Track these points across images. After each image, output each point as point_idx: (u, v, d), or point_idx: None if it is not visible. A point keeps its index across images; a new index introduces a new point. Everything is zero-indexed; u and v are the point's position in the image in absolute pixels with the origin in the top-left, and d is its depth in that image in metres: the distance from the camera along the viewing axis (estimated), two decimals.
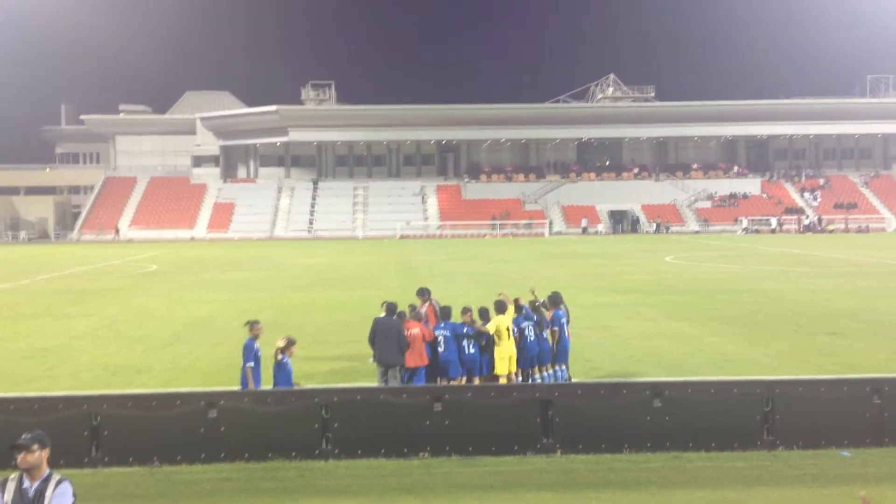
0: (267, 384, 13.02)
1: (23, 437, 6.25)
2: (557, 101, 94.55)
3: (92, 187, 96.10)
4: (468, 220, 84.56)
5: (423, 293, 16.26)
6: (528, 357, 14.32)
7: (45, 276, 41.42)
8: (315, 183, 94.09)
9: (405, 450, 11.35)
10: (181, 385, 15.41)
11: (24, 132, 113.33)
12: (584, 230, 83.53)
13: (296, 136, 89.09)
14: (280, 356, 12.79)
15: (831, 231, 78.53)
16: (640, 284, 33.77)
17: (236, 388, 13.42)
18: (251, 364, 12.78)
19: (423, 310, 15.33)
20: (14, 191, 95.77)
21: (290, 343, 12.99)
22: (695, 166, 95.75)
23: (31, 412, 11.08)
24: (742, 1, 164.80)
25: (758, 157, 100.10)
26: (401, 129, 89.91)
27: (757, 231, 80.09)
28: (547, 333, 14.73)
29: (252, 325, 13.21)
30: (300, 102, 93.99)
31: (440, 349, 13.87)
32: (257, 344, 13.01)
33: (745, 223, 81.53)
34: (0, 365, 18.35)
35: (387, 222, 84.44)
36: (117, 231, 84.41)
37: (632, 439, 11.38)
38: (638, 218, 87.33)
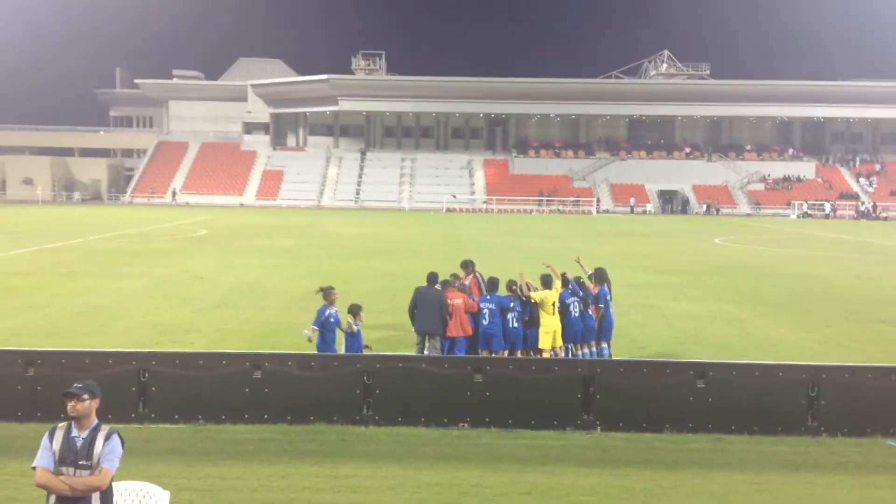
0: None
1: (74, 385, 6.37)
2: (609, 77, 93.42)
3: (144, 151, 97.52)
4: (515, 195, 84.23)
5: (468, 265, 16.23)
6: (571, 333, 14.29)
7: (98, 237, 42.22)
8: (363, 153, 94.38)
9: (445, 419, 11.44)
10: (227, 346, 15.64)
11: (79, 95, 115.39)
12: (632, 209, 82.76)
13: (345, 105, 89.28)
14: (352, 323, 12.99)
15: (885, 218, 76.84)
16: (688, 265, 33.43)
17: (281, 350, 13.61)
18: (315, 327, 12.90)
19: (467, 281, 15.33)
20: (69, 152, 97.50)
21: (357, 309, 13.13)
22: (748, 147, 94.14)
23: (82, 366, 11.33)
24: None
25: (813, 139, 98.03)
26: (450, 101, 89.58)
27: (809, 216, 78.64)
28: (591, 310, 14.66)
29: (326, 291, 13.36)
30: (350, 72, 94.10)
31: (484, 322, 13.85)
32: (331, 310, 13.09)
33: (804, 207, 79.91)
34: (55, 320, 18.81)
35: (433, 195, 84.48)
36: (174, 194, 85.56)
37: (673, 419, 11.32)
38: (688, 198, 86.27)
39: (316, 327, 12.87)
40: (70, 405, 6.27)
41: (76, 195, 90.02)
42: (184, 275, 27.38)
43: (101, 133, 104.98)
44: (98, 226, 50.42)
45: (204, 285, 25.00)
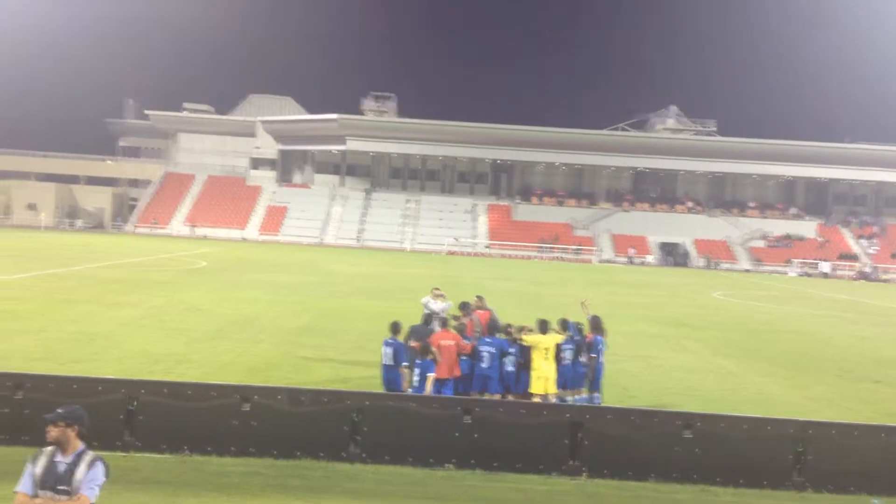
0: None
1: (55, 411, 6.41)
2: (616, 129, 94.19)
3: (150, 181, 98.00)
4: (517, 241, 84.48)
5: (465, 307, 16.35)
6: (560, 380, 14.29)
7: (98, 265, 42.33)
8: (368, 193, 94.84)
9: (431, 459, 11.41)
10: (219, 378, 15.62)
11: (89, 124, 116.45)
12: (631, 260, 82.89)
13: (353, 145, 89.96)
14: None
15: (885, 281, 76.81)
16: (686, 318, 33.43)
17: (273, 384, 13.62)
18: (405, 364, 13.51)
19: (465, 321, 15.41)
20: (74, 179, 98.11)
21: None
22: (751, 204, 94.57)
23: (71, 392, 11.32)
24: (812, 42, 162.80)
25: (816, 199, 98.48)
26: (457, 145, 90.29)
27: (808, 274, 78.70)
28: (584, 358, 14.67)
29: (395, 326, 14.00)
30: (360, 113, 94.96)
31: (483, 364, 13.83)
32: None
33: (818, 267, 79.97)
34: (50, 346, 18.81)
35: (435, 237, 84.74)
36: (193, 227, 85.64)
37: (659, 468, 11.29)
38: (688, 252, 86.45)
39: (405, 363, 13.69)
40: (47, 430, 6.32)
41: (79, 222, 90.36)
42: (180, 306, 27.40)
43: (108, 162, 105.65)
44: (98, 254, 50.55)
45: (200, 317, 25.01)
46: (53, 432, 6.30)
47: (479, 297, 17.34)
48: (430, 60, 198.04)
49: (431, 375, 13.28)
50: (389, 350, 13.70)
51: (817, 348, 26.28)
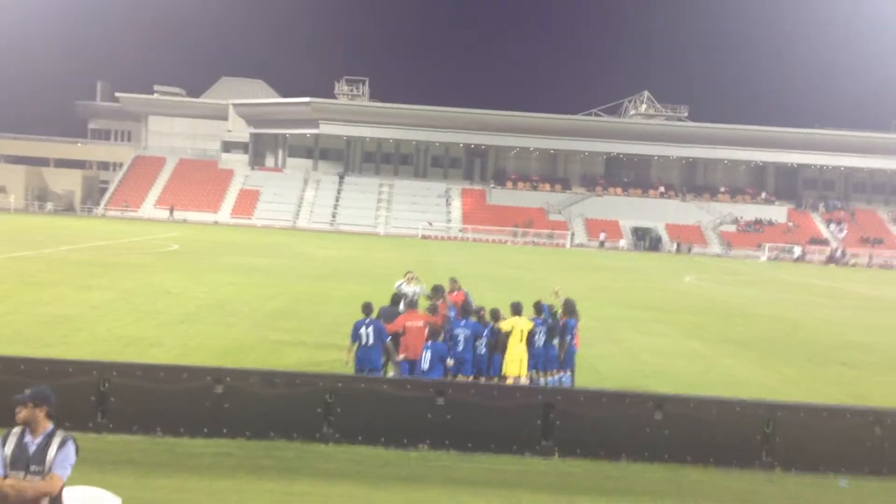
0: None
1: (24, 392, 6.37)
2: (589, 115, 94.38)
3: (121, 165, 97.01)
4: (491, 225, 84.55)
5: (438, 290, 16.41)
6: (533, 361, 14.40)
7: (68, 248, 41.90)
8: (341, 177, 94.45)
9: (405, 440, 11.47)
10: (191, 361, 15.56)
11: (59, 106, 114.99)
12: (602, 244, 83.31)
13: (326, 129, 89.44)
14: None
15: (854, 265, 77.83)
16: (657, 302, 33.71)
17: (244, 367, 13.60)
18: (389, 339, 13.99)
19: (439, 304, 15.50)
20: (44, 162, 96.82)
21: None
22: (722, 189, 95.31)
23: (42, 374, 11.24)
24: (781, 29, 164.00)
25: (786, 184, 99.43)
26: (430, 130, 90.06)
27: (779, 259, 79.56)
28: (556, 341, 14.79)
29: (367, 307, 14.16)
30: (333, 97, 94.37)
31: (458, 348, 13.88)
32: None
33: (793, 251, 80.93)
34: (19, 329, 18.63)
35: (409, 221, 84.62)
36: (172, 211, 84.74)
37: (630, 449, 11.43)
38: (660, 236, 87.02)
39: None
40: (17, 411, 6.29)
41: (49, 205, 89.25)
42: (151, 289, 27.21)
43: (79, 144, 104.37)
44: (69, 237, 50.01)
45: (171, 300, 24.87)
46: (22, 413, 6.27)
47: (453, 280, 17.45)
48: (404, 44, 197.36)
49: (449, 361, 13.56)
50: (370, 330, 13.58)
51: (787, 332, 26.61)
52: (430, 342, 13.65)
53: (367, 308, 14.00)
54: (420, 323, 14.00)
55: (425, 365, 13.44)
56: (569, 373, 14.93)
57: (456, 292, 16.53)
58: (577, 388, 14.30)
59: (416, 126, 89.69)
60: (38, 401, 6.31)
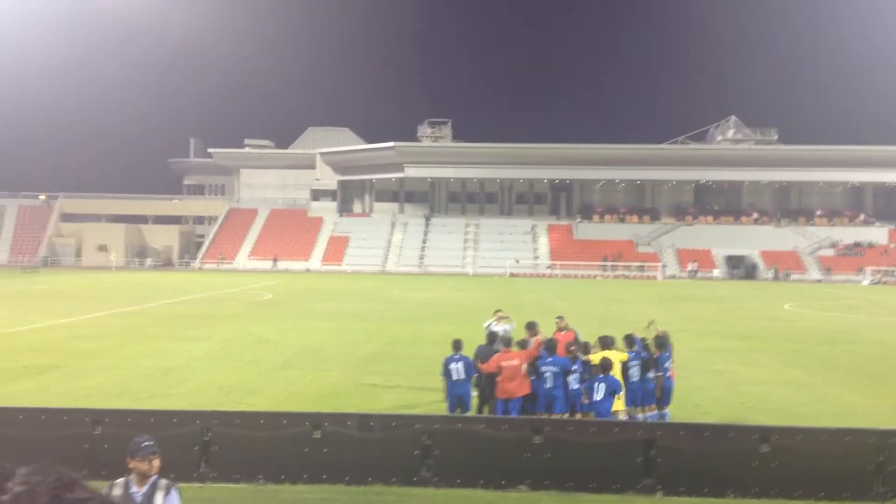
0: None
1: (145, 443, 6.51)
2: (675, 143, 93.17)
3: (215, 218, 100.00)
4: (579, 260, 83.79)
5: (531, 327, 16.38)
6: (629, 397, 14.14)
7: (168, 301, 43.25)
8: (427, 218, 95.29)
9: (503, 482, 11.35)
10: (289, 407, 15.81)
11: (154, 164, 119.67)
12: (694, 274, 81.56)
13: (411, 172, 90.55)
14: None
15: None
16: (756, 331, 32.77)
17: (342, 411, 13.74)
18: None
19: (531, 342, 15.41)
20: (142, 219, 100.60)
21: None
22: (818, 212, 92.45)
23: (148, 426, 11.53)
24: (869, 43, 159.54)
25: (886, 204, 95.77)
26: (514, 167, 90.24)
27: (882, 282, 76.52)
28: (651, 374, 14.52)
29: (457, 343, 14.69)
30: (416, 139, 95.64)
31: (546, 385, 13.80)
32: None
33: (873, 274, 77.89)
34: (125, 381, 19.26)
35: (497, 260, 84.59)
36: (275, 261, 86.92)
37: (737, 484, 11.06)
38: (756, 264, 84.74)
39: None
40: (152, 463, 6.43)
41: (148, 261, 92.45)
42: (249, 337, 27.84)
43: (174, 201, 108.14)
44: (168, 291, 51.64)
45: (268, 348, 25.37)
46: (156, 462, 6.44)
47: (560, 318, 17.16)
48: (485, 84, 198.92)
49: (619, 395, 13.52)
50: (460, 365, 14.03)
51: (895, 357, 25.49)
52: (550, 357, 13.99)
53: (456, 344, 14.42)
54: (516, 361, 13.95)
55: (547, 384, 13.72)
56: (667, 410, 14.60)
57: (565, 332, 16.35)
58: (677, 422, 13.96)
59: (499, 164, 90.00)
60: (158, 451, 6.50)
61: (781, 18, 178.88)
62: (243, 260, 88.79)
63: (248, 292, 51.16)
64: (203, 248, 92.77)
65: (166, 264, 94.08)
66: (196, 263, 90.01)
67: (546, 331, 16.69)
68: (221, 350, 24.72)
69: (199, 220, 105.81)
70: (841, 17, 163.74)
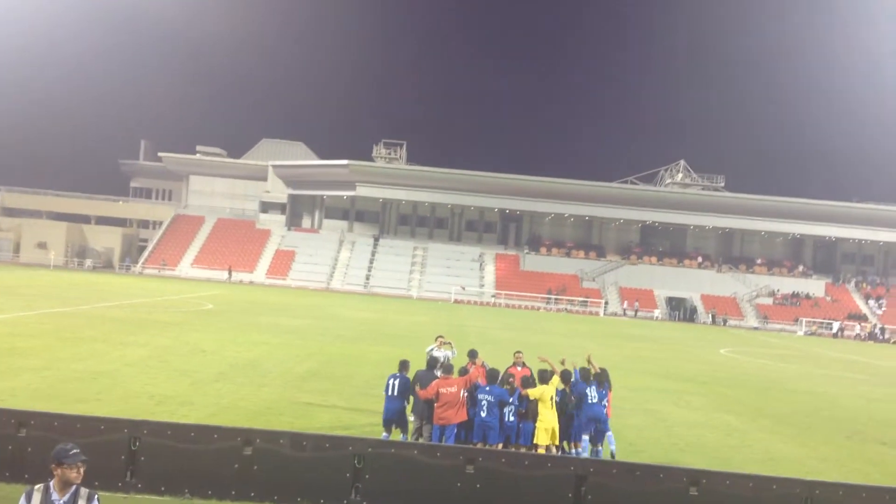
0: None
1: (73, 451, 6.34)
2: (625, 182, 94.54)
3: (161, 223, 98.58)
4: (524, 291, 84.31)
5: (473, 354, 16.41)
6: (591, 420, 14.38)
7: (105, 304, 42.41)
8: (376, 239, 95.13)
9: None
10: (221, 421, 15.57)
11: (103, 165, 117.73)
12: (636, 313, 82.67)
13: (363, 191, 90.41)
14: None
15: (894, 342, 76.19)
16: (692, 373, 33.22)
17: (275, 429, 13.56)
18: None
19: (471, 369, 15.40)
20: (85, 219, 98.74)
21: None
22: (759, 261, 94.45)
23: (74, 431, 11.30)
24: (821, 99, 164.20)
25: (824, 258, 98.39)
26: (466, 194, 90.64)
27: (817, 334, 78.28)
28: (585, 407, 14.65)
29: (404, 363, 15.12)
30: (371, 159, 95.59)
31: (482, 414, 13.83)
32: None
33: (832, 326, 79.70)
34: (55, 384, 18.79)
35: (443, 285, 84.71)
36: (230, 273, 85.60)
37: None
38: (696, 307, 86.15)
39: None
40: (78, 471, 6.27)
41: (88, 262, 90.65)
42: (185, 347, 27.39)
43: (120, 202, 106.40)
44: (106, 293, 50.67)
45: (204, 359, 24.98)
46: (83, 470, 6.30)
47: (519, 353, 16.78)
48: (442, 109, 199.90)
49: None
50: (397, 382, 14.52)
51: (825, 408, 26.05)
52: (488, 386, 14.03)
53: (402, 364, 14.95)
54: (454, 388, 13.95)
55: (483, 412, 13.75)
56: (600, 447, 14.72)
57: (522, 367, 16.23)
58: (610, 460, 14.07)
59: (451, 190, 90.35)
60: (86, 458, 6.36)
61: (735, 69, 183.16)
62: (186, 267, 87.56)
63: (189, 301, 50.42)
64: (146, 253, 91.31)
65: (106, 266, 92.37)
66: (137, 268, 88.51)
67: (499, 362, 16.71)
68: (156, 358, 24.27)
69: (144, 224, 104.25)
70: (793, 75, 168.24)
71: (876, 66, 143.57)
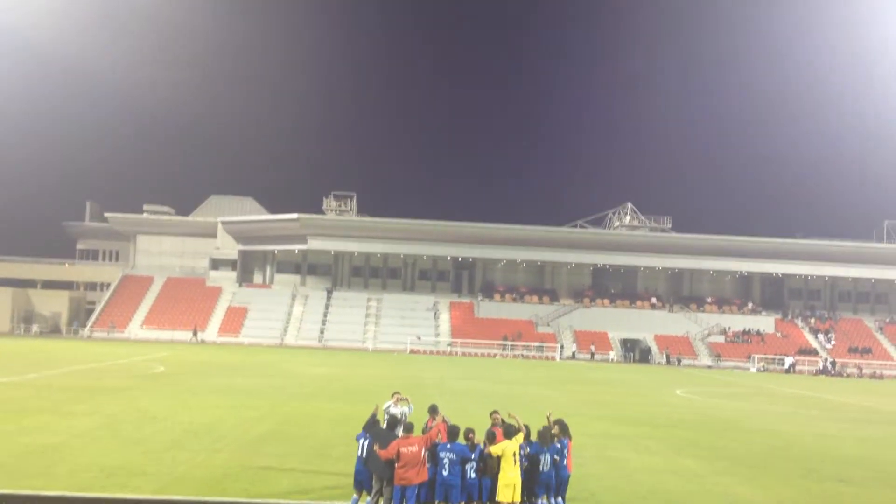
0: None
1: None
2: (575, 226, 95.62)
3: (108, 284, 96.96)
4: (479, 338, 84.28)
5: (433, 410, 16.28)
6: (542, 485, 14.19)
7: (53, 372, 41.40)
8: (329, 292, 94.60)
9: None
10: (176, 492, 15.19)
11: (47, 227, 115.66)
12: (592, 356, 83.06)
13: (315, 244, 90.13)
14: None
15: (847, 375, 77.42)
16: (649, 416, 33.33)
17: (233, 498, 13.27)
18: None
19: (432, 426, 15.28)
20: (31, 284, 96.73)
21: None
22: (709, 300, 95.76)
23: None
24: (763, 139, 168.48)
25: (773, 294, 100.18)
26: (418, 243, 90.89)
27: (768, 370, 79.27)
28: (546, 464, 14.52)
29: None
30: (321, 212, 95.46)
31: (444, 472, 13.65)
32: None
33: (784, 362, 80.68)
34: (1, 460, 18.19)
35: (398, 336, 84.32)
36: (195, 333, 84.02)
37: None
38: (650, 348, 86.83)
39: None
40: None
41: (34, 328, 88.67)
42: (136, 413, 26.76)
43: (66, 265, 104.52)
44: (54, 360, 49.49)
45: (156, 425, 24.41)
46: None
47: (496, 413, 15.98)
48: (390, 160, 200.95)
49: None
50: (365, 444, 14.40)
51: (782, 447, 26.26)
52: (449, 443, 13.86)
53: (371, 423, 14.98)
54: (415, 447, 13.77)
55: (444, 471, 13.58)
56: (560, 500, 14.61)
57: (436, 422, 16.05)
58: None
59: (403, 240, 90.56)
60: None
61: (677, 111, 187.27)
62: (136, 329, 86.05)
63: (139, 364, 49.44)
64: (93, 316, 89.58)
65: (54, 331, 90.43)
66: (85, 331, 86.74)
67: (458, 414, 16.54)
68: (106, 427, 23.66)
69: (92, 286, 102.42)
70: (733, 115, 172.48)
71: (815, 102, 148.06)
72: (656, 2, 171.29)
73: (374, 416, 15.33)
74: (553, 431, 14.96)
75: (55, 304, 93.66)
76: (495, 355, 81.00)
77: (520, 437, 14.32)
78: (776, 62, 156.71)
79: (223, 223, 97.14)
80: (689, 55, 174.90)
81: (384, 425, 15.44)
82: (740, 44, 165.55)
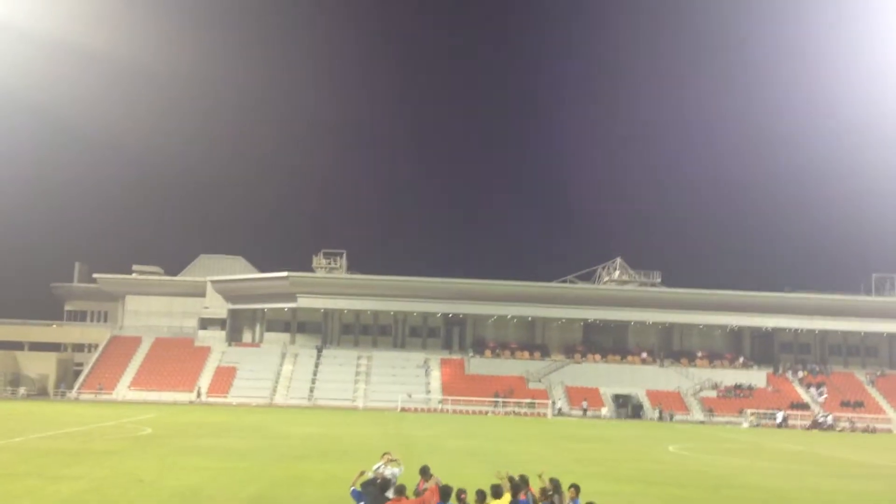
0: None
1: None
2: (564, 282, 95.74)
3: (96, 346, 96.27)
4: (471, 395, 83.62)
5: (425, 471, 16.19)
6: None
7: (39, 435, 40.92)
8: (319, 350, 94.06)
9: None
10: None
11: (35, 288, 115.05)
12: (585, 412, 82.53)
13: (304, 302, 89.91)
14: None
15: (841, 430, 76.96)
16: (643, 474, 33.09)
17: None
18: None
19: (424, 488, 15.19)
20: (18, 346, 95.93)
21: None
22: (700, 354, 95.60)
23: None
24: (750, 193, 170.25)
25: (763, 348, 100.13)
26: (408, 300, 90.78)
27: (761, 425, 78.90)
28: None
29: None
30: (311, 270, 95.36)
31: None
32: None
33: (776, 417, 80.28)
34: None
35: (389, 393, 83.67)
36: (199, 393, 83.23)
37: None
38: (641, 403, 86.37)
39: None
40: None
41: (21, 390, 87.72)
42: (123, 477, 26.42)
43: (54, 326, 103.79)
44: (40, 423, 48.94)
45: (143, 490, 24.09)
46: None
47: (498, 484, 16.21)
48: (379, 217, 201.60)
49: None
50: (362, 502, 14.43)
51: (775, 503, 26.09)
52: None
53: (368, 483, 14.89)
54: None
55: None
56: None
57: (428, 483, 16.00)
58: None
59: (393, 297, 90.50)
60: None
61: (665, 169, 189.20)
62: (123, 390, 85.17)
63: (126, 426, 48.90)
64: (81, 378, 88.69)
65: (41, 394, 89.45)
66: (73, 393, 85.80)
67: (450, 474, 16.43)
68: (93, 491, 23.36)
69: (80, 347, 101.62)
70: (720, 172, 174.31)
71: (800, 151, 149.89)
72: (646, 61, 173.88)
73: (375, 478, 15.30)
74: (544, 486, 14.96)
75: (43, 366, 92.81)
76: (487, 412, 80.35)
77: (507, 498, 14.22)
78: (772, 120, 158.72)
79: (212, 282, 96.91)
80: (681, 113, 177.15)
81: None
82: (737, 103, 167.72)
